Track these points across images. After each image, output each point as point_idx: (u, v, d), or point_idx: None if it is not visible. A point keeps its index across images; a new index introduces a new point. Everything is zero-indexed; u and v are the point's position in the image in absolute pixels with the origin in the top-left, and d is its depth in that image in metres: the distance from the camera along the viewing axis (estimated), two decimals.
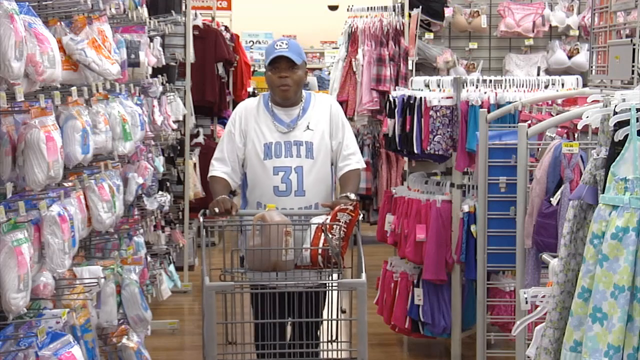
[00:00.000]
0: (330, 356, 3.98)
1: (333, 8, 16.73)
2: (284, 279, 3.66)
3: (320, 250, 3.66)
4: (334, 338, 3.83)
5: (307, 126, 4.12)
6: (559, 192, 3.55)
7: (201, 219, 3.87)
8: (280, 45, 4.04)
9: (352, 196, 3.95)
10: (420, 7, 7.22)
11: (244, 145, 4.14)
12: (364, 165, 4.27)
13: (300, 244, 3.77)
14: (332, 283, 3.69)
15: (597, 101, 2.70)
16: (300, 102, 4.16)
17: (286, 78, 4.03)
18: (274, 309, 3.68)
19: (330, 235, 3.63)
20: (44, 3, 3.42)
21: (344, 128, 4.19)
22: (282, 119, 4.13)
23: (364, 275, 3.53)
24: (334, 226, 3.65)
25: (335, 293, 3.79)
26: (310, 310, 3.69)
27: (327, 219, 3.72)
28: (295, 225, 3.80)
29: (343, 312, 3.92)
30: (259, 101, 4.21)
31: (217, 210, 3.84)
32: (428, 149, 5.19)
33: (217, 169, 4.19)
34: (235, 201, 4.12)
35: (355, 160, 4.17)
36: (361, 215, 3.81)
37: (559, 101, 4.73)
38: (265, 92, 4.26)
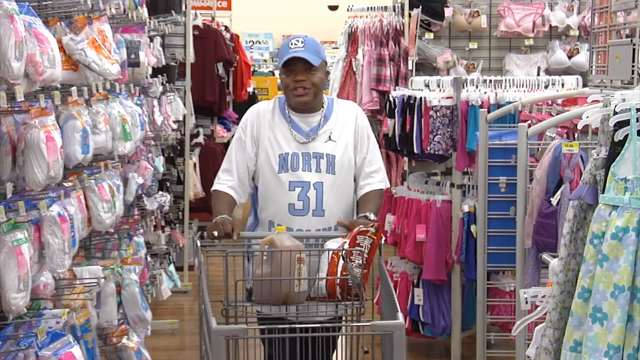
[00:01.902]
0: None
1: (333, 8, 16.74)
2: (301, 314, 3.17)
3: (338, 280, 3.15)
4: None
5: (329, 137, 3.60)
6: (559, 192, 3.56)
7: (198, 243, 3.32)
8: (295, 44, 3.52)
9: (372, 216, 3.45)
10: (420, 7, 7.22)
11: (255, 156, 3.61)
12: (388, 185, 3.75)
13: (315, 272, 3.27)
14: (364, 325, 2.98)
15: (597, 101, 2.70)
16: (321, 108, 3.64)
17: (302, 82, 3.52)
18: (292, 353, 3.03)
19: (350, 262, 3.12)
20: (44, 3, 3.43)
21: (369, 141, 3.67)
22: (301, 127, 3.60)
23: (400, 314, 2.83)
24: (354, 251, 3.15)
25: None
26: (325, 351, 3.18)
27: (345, 242, 3.22)
28: (310, 251, 3.29)
29: (365, 352, 3.27)
30: (274, 105, 3.68)
31: (215, 233, 3.35)
32: (428, 149, 5.19)
33: (222, 182, 3.64)
34: (240, 216, 3.72)
35: (378, 179, 3.65)
36: (383, 239, 3.28)
37: (559, 101, 4.73)
38: (280, 95, 3.73)
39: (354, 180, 3.65)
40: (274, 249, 3.11)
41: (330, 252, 3.21)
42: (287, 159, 3.56)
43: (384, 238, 3.33)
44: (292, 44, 3.53)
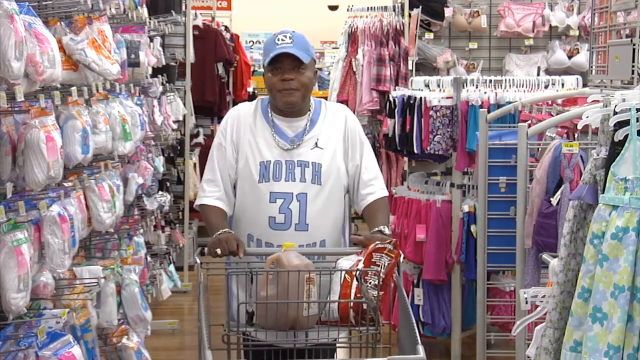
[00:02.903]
0: None
1: (333, 8, 16.73)
2: (311, 340, 2.89)
3: (351, 303, 2.85)
4: None
5: (316, 143, 3.28)
6: (559, 192, 3.56)
7: (198, 261, 3.00)
8: (282, 40, 3.19)
9: (387, 230, 3.14)
10: (420, 7, 7.22)
11: (236, 163, 3.30)
12: (387, 193, 3.40)
13: (326, 294, 2.97)
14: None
15: (597, 101, 2.70)
16: (308, 111, 3.31)
17: (290, 81, 3.19)
18: None
19: (365, 284, 2.81)
20: (44, 3, 3.42)
21: (363, 146, 3.34)
22: (285, 132, 3.28)
23: (420, 348, 2.54)
24: (369, 271, 2.83)
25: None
26: None
27: (359, 260, 2.91)
28: (321, 271, 2.95)
29: None
30: (256, 107, 3.35)
31: (219, 251, 3.01)
32: (428, 149, 5.19)
33: (208, 194, 3.30)
34: None
35: (379, 186, 3.33)
36: (402, 257, 2.96)
37: (559, 101, 4.73)
38: (264, 96, 3.40)
39: (348, 190, 3.35)
40: (281, 269, 2.83)
41: (344, 272, 2.90)
42: (268, 167, 3.24)
43: (402, 256, 2.96)
44: (278, 40, 3.20)
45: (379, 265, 2.84)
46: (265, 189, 3.22)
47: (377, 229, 3.14)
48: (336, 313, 2.89)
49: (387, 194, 3.36)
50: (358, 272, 2.83)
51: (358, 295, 2.83)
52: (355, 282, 2.85)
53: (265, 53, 3.26)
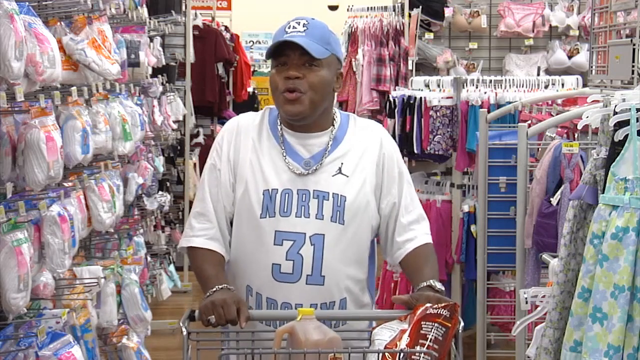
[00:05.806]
0: None
1: (333, 8, 16.73)
2: None
3: None
4: None
5: (339, 169, 2.47)
6: (559, 192, 3.56)
7: (184, 331, 2.18)
8: (294, 27, 2.45)
9: (439, 286, 2.35)
10: (420, 7, 7.24)
11: (234, 190, 2.50)
12: (431, 239, 2.59)
13: None
14: None
15: (597, 101, 2.70)
16: (331, 126, 2.52)
17: (296, 80, 2.40)
18: None
19: None
20: (44, 3, 3.43)
21: (402, 178, 2.54)
22: (298, 152, 2.49)
23: None
24: (418, 347, 2.07)
25: None
26: None
27: (403, 331, 2.12)
28: (349, 346, 2.15)
29: None
30: (263, 118, 2.56)
31: (212, 319, 2.22)
32: (428, 149, 5.20)
33: (198, 233, 2.50)
34: None
35: (422, 230, 2.55)
36: (461, 324, 2.22)
37: (559, 101, 4.74)
38: (272, 105, 2.59)
39: (379, 235, 2.58)
40: (295, 350, 2.08)
41: (379, 344, 2.14)
42: (274, 197, 2.44)
43: (461, 324, 2.24)
44: (289, 27, 2.46)
45: (430, 338, 2.13)
46: (269, 227, 2.43)
47: (424, 284, 2.36)
48: None
49: (431, 240, 2.57)
50: (403, 355, 2.06)
51: None
52: None
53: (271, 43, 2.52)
